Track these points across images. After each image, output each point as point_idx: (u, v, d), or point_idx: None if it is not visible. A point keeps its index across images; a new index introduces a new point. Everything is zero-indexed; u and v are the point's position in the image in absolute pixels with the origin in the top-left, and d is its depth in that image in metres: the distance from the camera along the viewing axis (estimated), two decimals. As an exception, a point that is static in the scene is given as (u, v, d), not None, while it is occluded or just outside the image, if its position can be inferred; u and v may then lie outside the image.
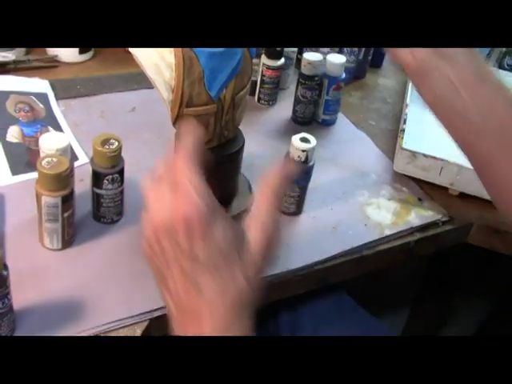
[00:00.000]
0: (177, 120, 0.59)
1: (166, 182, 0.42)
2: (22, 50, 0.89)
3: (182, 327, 0.43)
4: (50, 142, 0.60)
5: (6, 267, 0.49)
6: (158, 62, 0.56)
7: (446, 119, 0.52)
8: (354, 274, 0.71)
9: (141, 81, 0.88)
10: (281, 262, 0.66)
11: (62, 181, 0.57)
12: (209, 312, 0.41)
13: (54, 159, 0.57)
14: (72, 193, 0.59)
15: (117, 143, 0.60)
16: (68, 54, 0.90)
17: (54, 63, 0.90)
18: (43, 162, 0.56)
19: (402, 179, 0.81)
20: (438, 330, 1.20)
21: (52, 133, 0.71)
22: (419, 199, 0.78)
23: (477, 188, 0.78)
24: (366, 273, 0.72)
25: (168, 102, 0.58)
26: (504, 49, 1.06)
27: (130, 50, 0.57)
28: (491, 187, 0.54)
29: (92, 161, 0.62)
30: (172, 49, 0.56)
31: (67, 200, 0.58)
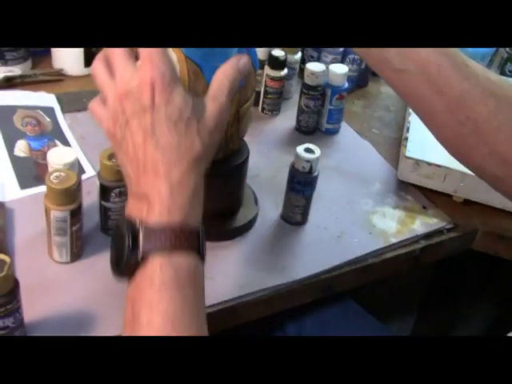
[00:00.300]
0: (182, 133, 0.60)
1: (127, 57, 0.47)
2: (28, 64, 0.91)
3: (139, 186, 0.45)
4: (57, 157, 0.61)
5: (16, 281, 0.50)
6: (164, 77, 0.57)
7: (376, 67, 0.54)
8: (360, 283, 0.72)
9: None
10: (287, 271, 0.67)
11: (71, 195, 0.58)
12: (165, 165, 0.44)
13: (62, 174, 0.57)
14: (80, 206, 0.60)
15: (124, 157, 0.61)
16: (73, 68, 0.92)
17: (60, 77, 0.91)
18: (51, 177, 0.57)
19: (406, 187, 0.81)
20: (445, 335, 1.20)
21: (60, 147, 0.71)
22: (424, 207, 0.79)
23: (481, 194, 0.78)
24: (371, 281, 0.73)
25: (174, 116, 0.58)
26: (506, 55, 1.06)
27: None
28: (431, 128, 0.55)
29: (99, 174, 0.62)
30: (177, 63, 0.57)
31: (75, 214, 0.59)
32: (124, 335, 0.43)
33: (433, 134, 0.56)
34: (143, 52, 0.46)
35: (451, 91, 0.51)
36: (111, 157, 0.61)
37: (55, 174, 0.57)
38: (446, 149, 0.56)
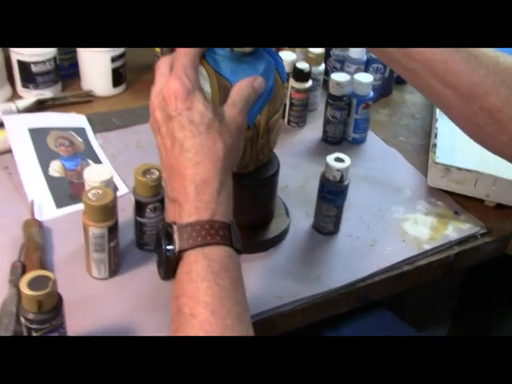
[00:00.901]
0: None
1: (162, 72, 0.53)
2: (58, 87, 0.93)
3: (172, 190, 0.50)
4: (94, 175, 0.63)
5: (60, 297, 0.51)
6: (195, 93, 0.58)
7: (390, 66, 0.58)
8: (395, 291, 0.71)
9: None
10: (322, 281, 0.67)
11: (108, 211, 0.59)
12: (190, 166, 0.49)
13: (99, 191, 0.59)
14: (117, 223, 0.61)
15: (157, 173, 0.62)
16: (102, 88, 0.94)
17: (89, 98, 0.93)
18: (89, 194, 0.58)
19: (436, 193, 0.81)
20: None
21: (95, 165, 0.73)
22: (456, 212, 0.78)
23: (514, 198, 0.78)
24: (406, 289, 0.72)
25: (206, 130, 0.60)
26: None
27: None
28: (451, 119, 0.57)
29: (134, 190, 0.64)
30: (208, 79, 0.58)
31: (113, 230, 0.60)
32: (172, 328, 0.46)
33: (454, 123, 0.57)
34: (173, 66, 0.52)
35: (461, 85, 0.52)
36: (145, 173, 0.62)
37: (93, 192, 0.58)
38: (469, 137, 0.57)
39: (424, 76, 0.53)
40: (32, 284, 0.48)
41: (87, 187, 0.62)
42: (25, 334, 0.51)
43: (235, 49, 0.57)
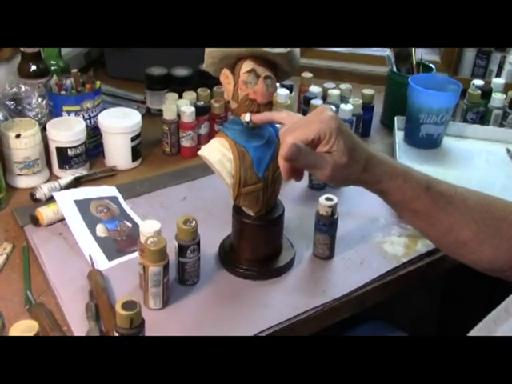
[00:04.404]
0: (237, 198, 0.81)
1: None
2: (87, 166, 1.12)
3: None
4: (147, 227, 0.81)
5: (143, 319, 0.68)
6: (221, 158, 0.78)
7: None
8: (383, 298, 0.90)
9: (185, 175, 1.11)
10: (327, 293, 0.85)
11: (163, 253, 0.77)
12: None
13: (154, 239, 0.77)
14: (168, 262, 0.79)
15: (194, 222, 0.81)
16: (123, 163, 1.13)
17: (114, 172, 1.12)
18: (148, 242, 0.76)
19: (405, 219, 1.01)
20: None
21: (147, 221, 0.88)
22: (422, 232, 0.99)
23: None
24: (391, 295, 0.91)
25: (230, 185, 0.80)
26: (465, 106, 1.30)
27: (199, 152, 0.79)
28: (433, 243, 0.77)
29: (177, 236, 0.82)
30: (229, 147, 0.78)
31: (166, 268, 0.78)
32: None
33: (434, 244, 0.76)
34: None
35: (441, 224, 0.70)
36: (185, 222, 0.81)
37: (150, 240, 0.77)
38: (445, 253, 0.75)
39: (412, 218, 0.72)
40: (125, 306, 0.66)
41: (142, 238, 0.80)
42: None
43: (250, 124, 0.77)
